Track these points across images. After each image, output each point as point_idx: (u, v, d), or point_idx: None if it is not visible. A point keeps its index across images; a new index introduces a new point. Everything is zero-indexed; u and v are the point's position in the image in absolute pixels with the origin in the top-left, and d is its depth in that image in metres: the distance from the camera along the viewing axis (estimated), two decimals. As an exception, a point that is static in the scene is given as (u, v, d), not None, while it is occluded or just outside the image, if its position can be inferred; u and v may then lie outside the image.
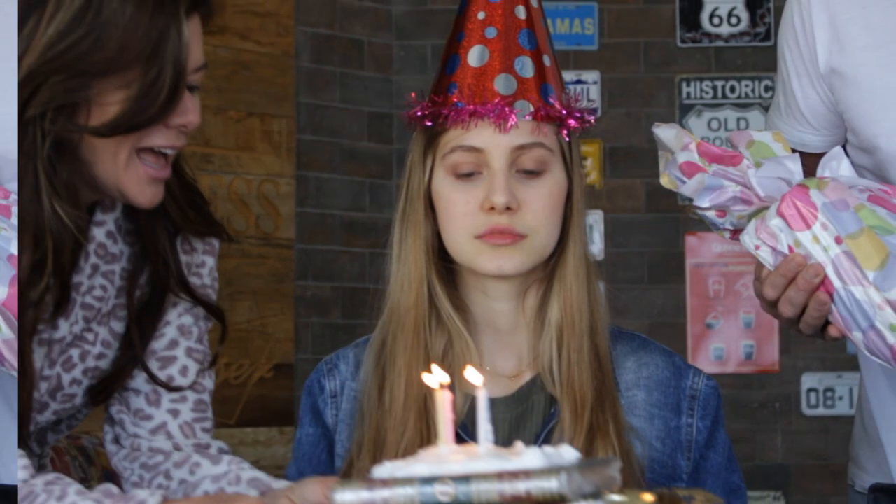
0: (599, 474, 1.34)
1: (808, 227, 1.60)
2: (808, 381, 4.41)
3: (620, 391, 1.74)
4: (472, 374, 1.39)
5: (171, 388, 1.78)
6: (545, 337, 1.73)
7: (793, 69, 2.00)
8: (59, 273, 1.63)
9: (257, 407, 4.23)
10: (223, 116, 4.30)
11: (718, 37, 4.68)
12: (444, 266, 1.76)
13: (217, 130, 4.28)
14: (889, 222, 1.60)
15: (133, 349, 1.76)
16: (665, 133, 1.70)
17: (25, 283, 1.59)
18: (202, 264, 1.84)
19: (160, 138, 1.64)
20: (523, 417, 1.68)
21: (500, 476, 1.28)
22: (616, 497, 1.33)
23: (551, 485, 1.26)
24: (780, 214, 1.63)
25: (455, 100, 1.71)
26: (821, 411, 4.44)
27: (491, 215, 1.69)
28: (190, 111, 1.65)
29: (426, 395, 1.70)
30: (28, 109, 1.57)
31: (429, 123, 1.73)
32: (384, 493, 1.29)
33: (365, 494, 1.29)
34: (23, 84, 1.56)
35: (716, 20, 4.68)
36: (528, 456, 1.29)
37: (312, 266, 4.43)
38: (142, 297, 1.76)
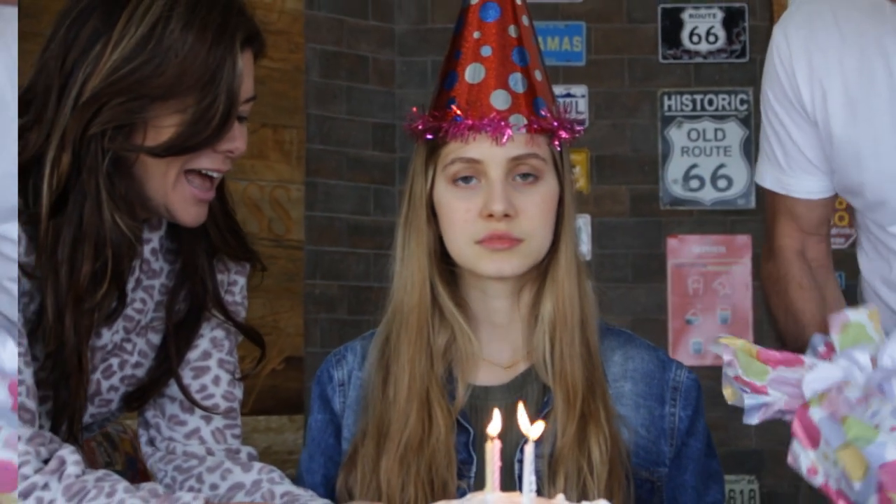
0: None
1: (815, 446, 1.52)
2: (781, 372, 4.41)
3: (609, 382, 1.74)
4: (531, 428, 1.39)
5: (202, 407, 1.79)
6: (539, 331, 1.73)
7: (787, 119, 1.97)
8: (117, 280, 1.64)
9: (269, 396, 4.22)
10: (238, 127, 4.30)
11: (697, 53, 4.68)
12: (446, 268, 1.76)
13: (233, 140, 4.28)
14: (870, 429, 1.50)
15: (169, 361, 1.76)
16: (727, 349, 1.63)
17: (84, 291, 1.59)
18: (234, 283, 1.85)
19: (208, 162, 1.65)
20: (517, 405, 1.68)
21: None
22: None
23: None
24: (794, 435, 1.55)
25: (454, 114, 1.70)
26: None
27: (490, 222, 1.68)
28: (238, 138, 1.67)
29: (428, 388, 1.70)
30: (91, 128, 1.57)
31: (430, 137, 1.73)
32: None
33: None
34: (87, 104, 1.56)
35: (695, 38, 4.68)
36: None
37: (321, 266, 4.42)
38: (179, 313, 1.76)
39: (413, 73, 4.65)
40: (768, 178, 2.03)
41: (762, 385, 1.57)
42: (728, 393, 1.59)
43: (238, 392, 1.83)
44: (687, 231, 4.61)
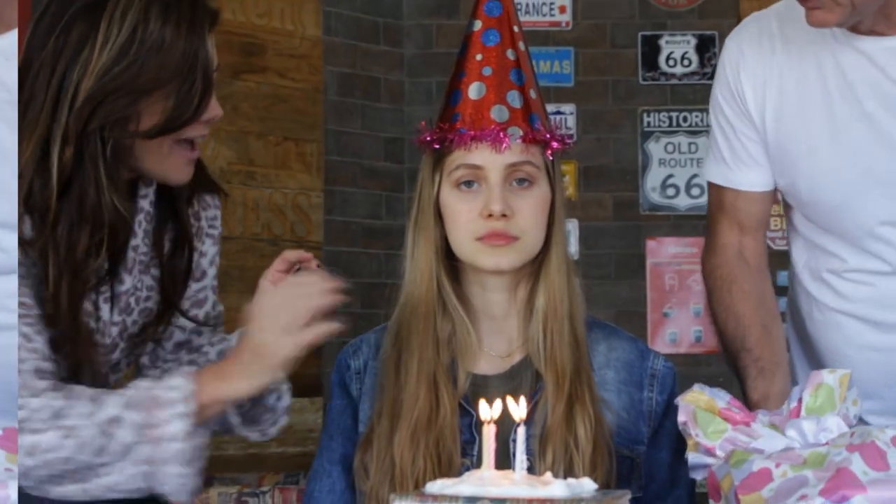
0: None
1: (718, 500, 1.51)
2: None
3: (594, 369, 1.73)
4: (515, 409, 1.39)
5: (204, 324, 1.84)
6: (533, 322, 1.72)
7: (734, 117, 1.96)
8: (111, 250, 1.67)
9: (291, 381, 4.21)
10: (264, 141, 4.29)
11: (673, 76, 4.67)
12: (450, 264, 1.75)
13: (259, 152, 4.27)
14: (746, 454, 1.50)
15: (167, 294, 1.79)
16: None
17: (80, 263, 1.61)
18: (215, 217, 1.87)
19: (193, 131, 1.68)
20: (514, 391, 1.66)
21: (531, 501, 1.28)
22: None
23: None
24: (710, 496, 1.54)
25: (458, 127, 1.70)
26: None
27: (489, 221, 1.68)
28: (214, 107, 1.69)
29: (435, 372, 1.70)
30: (90, 124, 1.59)
31: (436, 146, 1.73)
32: None
33: None
34: (84, 104, 1.58)
35: (671, 62, 4.67)
36: (555, 486, 1.30)
37: (338, 264, 4.41)
38: (169, 251, 1.79)
39: (420, 93, 4.65)
40: (714, 173, 2.01)
41: (712, 446, 1.55)
42: (690, 444, 1.57)
43: (221, 308, 1.90)
44: (664, 234, 4.61)
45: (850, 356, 1.92)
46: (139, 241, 1.74)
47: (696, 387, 1.58)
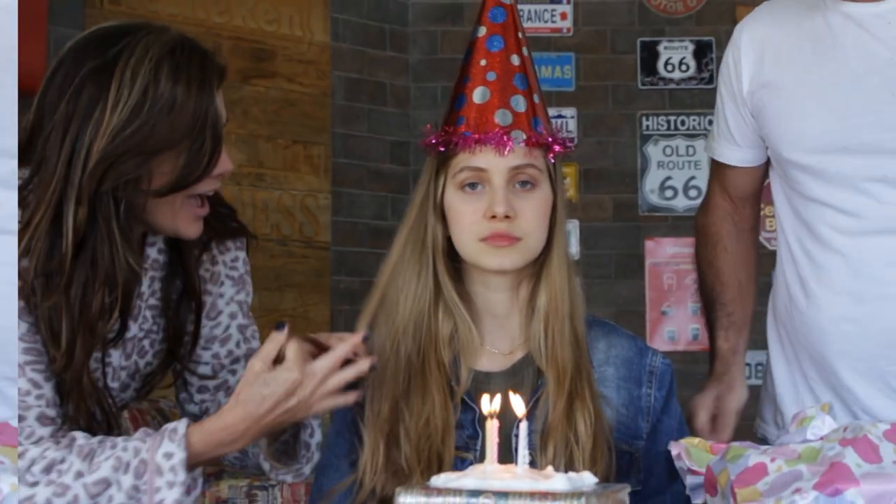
0: (612, 499, 1.35)
1: (715, 493, 1.53)
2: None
3: (594, 367, 1.73)
4: (517, 406, 1.39)
5: (211, 377, 1.80)
6: (534, 321, 1.72)
7: (728, 98, 2.03)
8: (124, 309, 1.65)
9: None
10: (273, 144, 4.30)
11: (671, 80, 4.67)
12: (452, 265, 1.74)
13: (269, 155, 4.28)
14: (743, 449, 1.53)
15: (171, 345, 1.76)
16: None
17: (96, 320, 1.60)
18: (236, 259, 1.83)
19: (205, 186, 1.65)
20: (516, 387, 1.66)
21: (532, 494, 1.28)
22: None
23: None
24: (707, 493, 1.56)
25: (463, 130, 1.70)
26: (752, 381, 4.42)
27: (493, 222, 1.68)
28: (225, 162, 1.66)
29: (428, 370, 1.70)
30: (103, 184, 1.56)
31: (442, 149, 1.72)
32: (438, 500, 1.30)
33: (423, 499, 1.30)
34: (97, 165, 1.55)
35: (669, 67, 4.68)
36: (556, 480, 1.30)
37: (345, 264, 4.42)
38: (174, 304, 1.76)
39: (425, 97, 4.66)
40: (714, 147, 2.09)
41: (704, 468, 1.57)
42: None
43: (256, 344, 1.83)
44: (662, 234, 4.61)
45: (827, 331, 1.91)
46: (145, 289, 1.72)
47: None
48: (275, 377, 1.57)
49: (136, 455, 1.54)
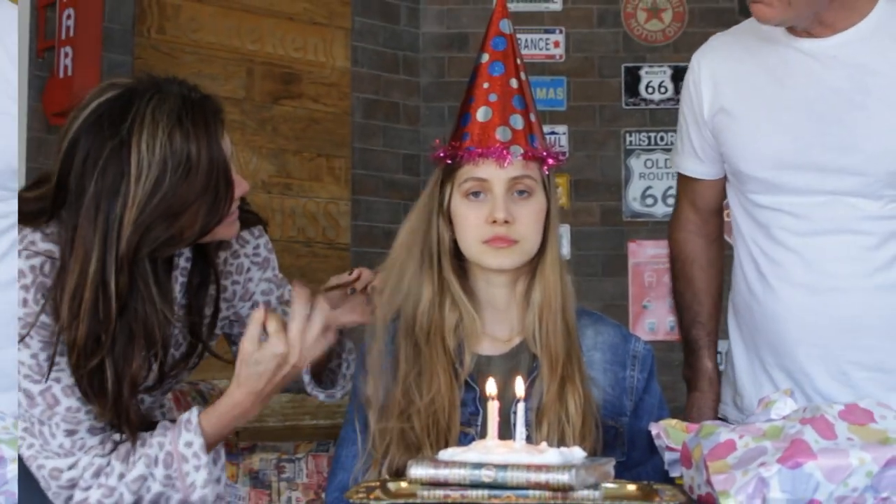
0: (599, 471, 1.36)
1: (689, 466, 1.52)
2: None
3: (583, 352, 1.73)
4: (518, 387, 1.40)
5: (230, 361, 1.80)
6: (530, 313, 1.72)
7: (691, 120, 2.01)
8: (163, 358, 1.65)
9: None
10: (300, 157, 4.30)
11: (652, 101, 4.66)
12: (458, 263, 1.74)
13: (296, 167, 4.28)
14: (715, 427, 1.52)
15: (195, 333, 1.75)
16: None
17: (137, 372, 1.59)
18: (257, 246, 1.82)
19: (224, 231, 1.66)
20: (513, 370, 1.67)
21: (528, 467, 1.29)
22: (610, 485, 1.35)
23: (564, 477, 1.29)
24: (682, 465, 1.55)
25: (467, 145, 1.70)
26: (723, 367, 4.44)
27: (494, 226, 1.68)
28: (240, 185, 1.64)
29: (435, 356, 1.69)
30: (140, 251, 1.55)
31: (449, 161, 1.73)
32: (445, 471, 1.31)
33: (432, 471, 1.32)
34: (132, 234, 1.53)
35: (650, 89, 4.67)
36: (549, 454, 1.31)
37: (363, 264, 4.35)
38: (195, 290, 1.74)
39: (434, 116, 4.65)
40: (675, 162, 2.09)
41: (680, 444, 1.57)
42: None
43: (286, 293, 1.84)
44: (644, 237, 4.60)
45: (783, 321, 1.91)
46: (177, 294, 1.71)
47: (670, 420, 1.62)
48: (264, 355, 1.58)
49: (162, 449, 1.56)
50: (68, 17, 3.87)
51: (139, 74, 1.66)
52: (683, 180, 2.08)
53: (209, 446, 1.58)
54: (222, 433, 1.61)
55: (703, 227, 2.09)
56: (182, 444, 1.56)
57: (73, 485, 1.55)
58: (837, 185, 1.84)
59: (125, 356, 1.57)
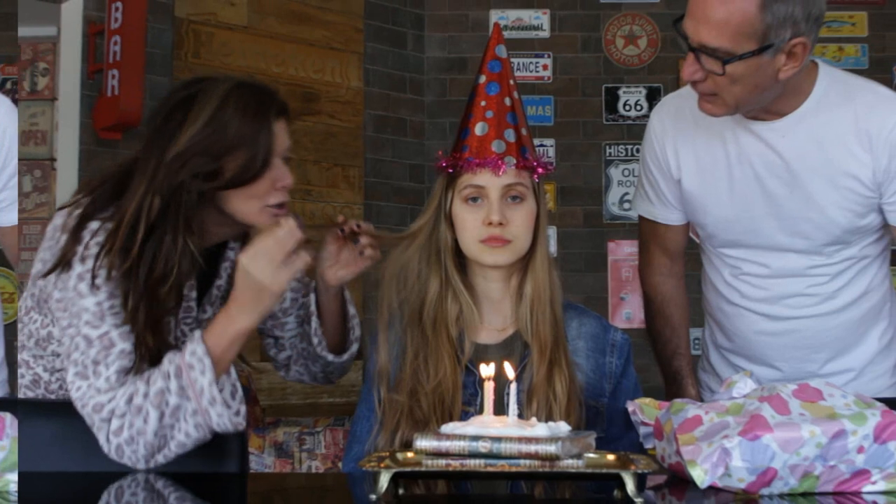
0: (582, 443, 1.36)
1: (661, 438, 1.52)
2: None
3: (568, 340, 1.73)
4: (510, 370, 1.40)
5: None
6: (522, 304, 1.72)
7: (659, 175, 1.94)
8: (178, 287, 1.63)
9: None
10: (319, 166, 4.30)
11: (629, 118, 4.67)
12: (458, 261, 1.74)
13: (315, 175, 4.28)
14: (684, 404, 1.52)
15: None
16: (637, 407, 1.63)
17: (158, 288, 1.59)
18: None
19: (275, 198, 1.66)
20: (507, 356, 1.67)
21: (520, 440, 1.30)
22: (591, 455, 1.36)
23: (551, 448, 1.30)
24: (655, 437, 1.55)
25: (467, 156, 1.70)
26: (695, 352, 4.44)
27: (490, 228, 1.68)
28: (287, 176, 1.67)
29: (441, 343, 1.69)
30: (178, 175, 1.58)
31: (450, 170, 1.72)
32: (447, 443, 1.31)
33: (435, 443, 1.32)
34: (173, 159, 1.58)
35: (627, 107, 4.67)
36: (538, 428, 1.32)
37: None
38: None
39: (437, 131, 4.65)
40: (643, 209, 2.01)
41: (653, 420, 1.57)
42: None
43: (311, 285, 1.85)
44: (621, 238, 4.60)
45: (750, 339, 1.93)
46: (223, 282, 1.74)
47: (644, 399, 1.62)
48: (255, 264, 1.55)
49: (171, 363, 1.53)
50: (115, 43, 3.88)
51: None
52: (652, 226, 2.00)
53: (214, 360, 1.53)
54: (224, 349, 1.55)
55: (673, 267, 2.03)
56: (188, 354, 1.53)
57: (111, 415, 1.52)
58: (789, 247, 1.84)
59: (148, 274, 1.58)
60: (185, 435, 1.52)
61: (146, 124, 1.67)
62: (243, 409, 1.55)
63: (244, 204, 1.64)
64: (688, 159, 1.88)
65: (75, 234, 1.59)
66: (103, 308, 1.55)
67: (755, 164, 1.80)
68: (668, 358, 2.01)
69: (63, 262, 1.58)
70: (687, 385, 1.98)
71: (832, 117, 1.75)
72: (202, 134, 1.60)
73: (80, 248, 1.57)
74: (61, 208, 1.66)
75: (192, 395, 1.51)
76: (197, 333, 1.55)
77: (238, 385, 1.57)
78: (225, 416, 1.52)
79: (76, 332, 1.55)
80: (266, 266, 1.53)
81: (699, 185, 1.87)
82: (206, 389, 1.51)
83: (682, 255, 2.04)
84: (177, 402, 1.51)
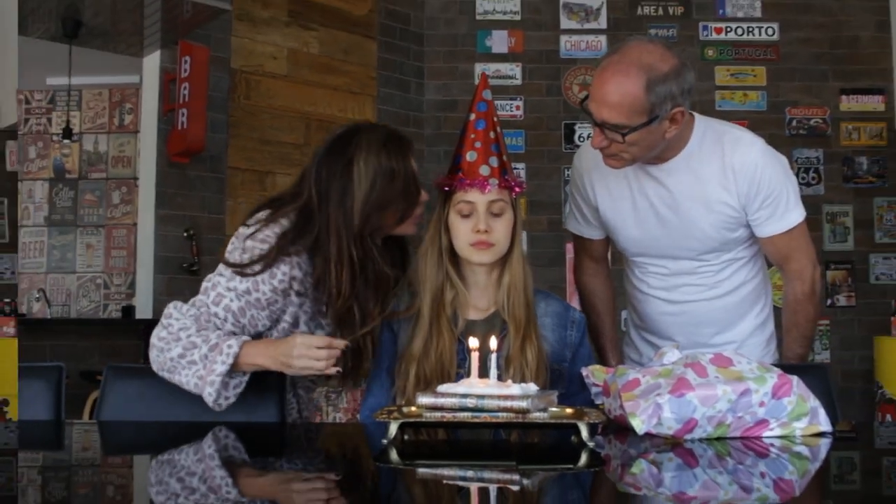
0: (547, 399, 1.36)
1: (608, 395, 1.53)
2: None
3: (537, 318, 1.73)
4: (492, 343, 1.40)
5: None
6: (502, 291, 1.72)
7: (583, 203, 1.96)
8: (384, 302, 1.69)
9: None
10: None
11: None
12: (454, 258, 1.74)
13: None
14: (627, 370, 1.54)
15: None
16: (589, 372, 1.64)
17: (373, 311, 1.64)
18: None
19: (409, 228, 1.69)
20: (490, 330, 1.67)
21: (499, 397, 1.30)
22: (554, 409, 1.36)
23: (523, 403, 1.30)
24: (603, 395, 1.56)
25: (459, 178, 1.70)
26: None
27: (477, 234, 1.68)
28: (423, 193, 1.68)
29: (440, 320, 1.69)
30: (365, 230, 1.60)
31: (446, 189, 1.72)
32: (442, 399, 1.32)
33: (432, 399, 1.32)
34: (360, 218, 1.59)
35: (581, 139, 4.68)
36: (513, 388, 1.32)
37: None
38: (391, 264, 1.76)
39: (434, 157, 4.65)
40: (572, 227, 2.04)
41: (602, 382, 1.58)
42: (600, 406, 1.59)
43: None
44: (577, 240, 4.60)
45: (656, 319, 1.96)
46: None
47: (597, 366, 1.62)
48: (298, 350, 1.56)
49: (219, 338, 1.56)
50: (184, 88, 3.89)
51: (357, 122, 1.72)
52: (579, 239, 2.03)
53: (236, 362, 1.55)
54: (247, 363, 1.57)
55: (598, 269, 2.05)
56: (227, 344, 1.55)
57: (166, 326, 1.56)
58: (680, 255, 1.87)
59: (364, 298, 1.61)
60: (184, 380, 1.55)
61: (317, 184, 1.60)
62: (230, 401, 1.57)
63: (403, 227, 1.67)
64: (602, 192, 1.90)
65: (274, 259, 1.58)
66: (248, 296, 1.57)
67: (651, 197, 1.84)
68: (595, 337, 2.03)
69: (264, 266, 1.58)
70: (608, 359, 2.00)
71: (705, 157, 1.78)
72: (372, 194, 1.58)
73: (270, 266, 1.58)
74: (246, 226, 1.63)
75: (205, 366, 1.54)
76: (244, 339, 1.56)
77: (243, 384, 1.58)
78: (213, 395, 1.55)
79: (217, 285, 1.58)
80: (304, 354, 1.55)
81: (611, 212, 1.90)
82: (215, 372, 1.54)
83: (605, 259, 2.06)
84: (194, 360, 1.55)
